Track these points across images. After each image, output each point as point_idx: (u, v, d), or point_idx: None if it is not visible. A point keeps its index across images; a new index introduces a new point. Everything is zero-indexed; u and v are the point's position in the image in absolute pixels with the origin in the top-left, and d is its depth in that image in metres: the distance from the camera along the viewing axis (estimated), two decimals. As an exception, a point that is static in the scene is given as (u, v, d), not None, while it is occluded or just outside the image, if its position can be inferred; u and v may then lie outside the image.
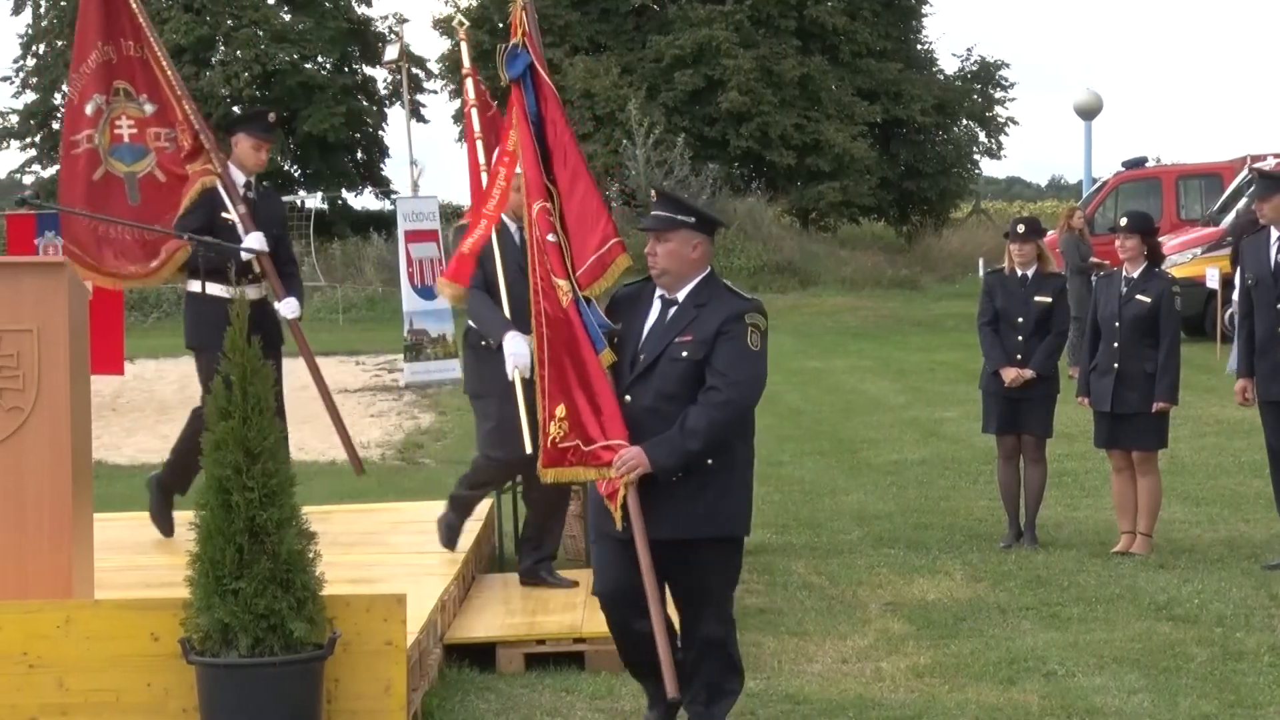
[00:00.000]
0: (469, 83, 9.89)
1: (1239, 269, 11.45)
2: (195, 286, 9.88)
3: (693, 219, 6.78)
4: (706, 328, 6.68)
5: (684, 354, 6.68)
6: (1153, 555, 10.64)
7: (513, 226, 8.94)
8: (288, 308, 9.95)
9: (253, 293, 9.79)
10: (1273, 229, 10.42)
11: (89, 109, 10.14)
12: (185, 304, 10.07)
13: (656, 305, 6.82)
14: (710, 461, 6.67)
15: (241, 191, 9.92)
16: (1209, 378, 19.74)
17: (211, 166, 9.89)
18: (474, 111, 9.77)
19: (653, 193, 7.04)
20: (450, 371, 21.50)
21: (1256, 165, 22.43)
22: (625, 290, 6.97)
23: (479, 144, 9.61)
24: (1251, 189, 17.17)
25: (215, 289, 9.80)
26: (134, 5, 10.18)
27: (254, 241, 9.79)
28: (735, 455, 6.76)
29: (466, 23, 10.71)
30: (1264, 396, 10.38)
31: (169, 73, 10.15)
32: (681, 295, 6.78)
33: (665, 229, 6.76)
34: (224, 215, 9.86)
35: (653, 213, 6.85)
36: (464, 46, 10.56)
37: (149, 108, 10.16)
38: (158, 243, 9.98)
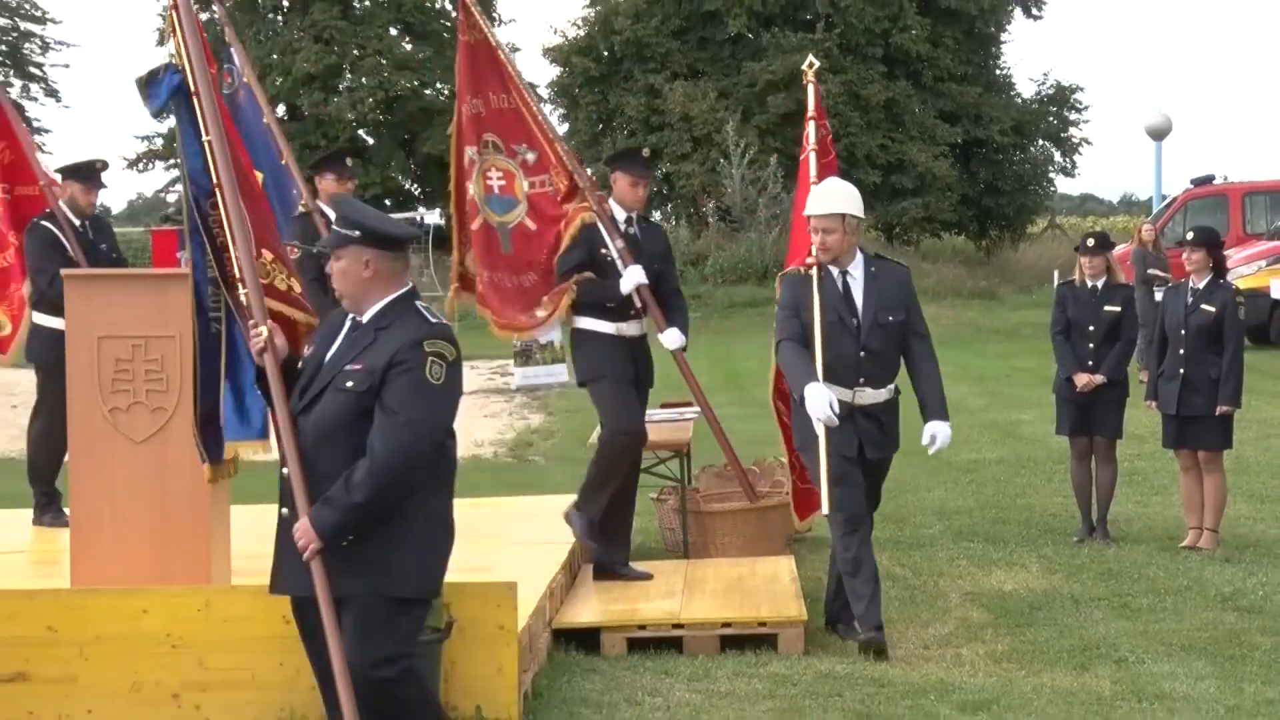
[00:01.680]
0: (811, 126, 9.29)
1: None
2: (579, 323, 9.37)
3: (357, 233, 5.60)
4: (379, 356, 5.49)
5: (348, 385, 5.50)
6: (1219, 550, 10.52)
7: (834, 271, 8.32)
8: (670, 338, 9.40)
9: (632, 329, 9.36)
10: None
11: (465, 160, 9.86)
12: (571, 340, 9.53)
13: (346, 327, 5.71)
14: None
15: (622, 227, 9.42)
16: (1274, 383, 19.49)
17: (589, 203, 9.47)
18: (813, 156, 9.15)
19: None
20: (558, 376, 21.50)
21: None
22: (338, 309, 5.89)
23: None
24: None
25: (596, 324, 9.33)
26: (502, 56, 9.88)
27: (632, 276, 9.26)
28: (413, 504, 5.51)
29: (815, 64, 9.61)
30: None
31: (539, 118, 9.81)
32: (366, 318, 5.65)
33: (336, 245, 5.66)
34: (603, 251, 9.34)
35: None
36: (810, 90, 9.48)
37: (530, 155, 9.77)
38: (538, 291, 9.60)
